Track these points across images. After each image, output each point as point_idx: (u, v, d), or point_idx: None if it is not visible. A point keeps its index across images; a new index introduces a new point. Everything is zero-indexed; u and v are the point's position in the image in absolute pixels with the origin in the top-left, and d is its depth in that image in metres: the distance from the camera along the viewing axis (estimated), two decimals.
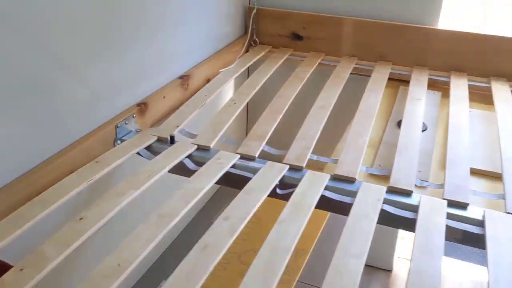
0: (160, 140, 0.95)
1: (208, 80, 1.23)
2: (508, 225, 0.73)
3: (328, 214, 1.43)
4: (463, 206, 0.78)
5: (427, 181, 0.88)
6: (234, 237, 0.67)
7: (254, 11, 1.43)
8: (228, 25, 1.39)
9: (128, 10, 0.94)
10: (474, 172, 0.91)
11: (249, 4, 1.46)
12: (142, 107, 1.01)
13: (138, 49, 1.00)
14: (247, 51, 1.45)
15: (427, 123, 1.10)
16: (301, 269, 1.22)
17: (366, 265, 1.86)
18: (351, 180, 0.84)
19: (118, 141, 0.94)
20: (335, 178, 0.85)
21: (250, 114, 1.63)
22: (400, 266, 1.74)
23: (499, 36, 1.26)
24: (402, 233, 1.80)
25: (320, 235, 1.34)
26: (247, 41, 1.44)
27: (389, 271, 1.72)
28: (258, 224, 1.31)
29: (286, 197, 0.79)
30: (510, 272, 0.63)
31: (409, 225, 0.74)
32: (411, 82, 1.22)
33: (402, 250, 1.78)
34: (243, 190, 0.78)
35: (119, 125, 0.94)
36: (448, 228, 0.74)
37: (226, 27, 1.38)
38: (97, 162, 0.85)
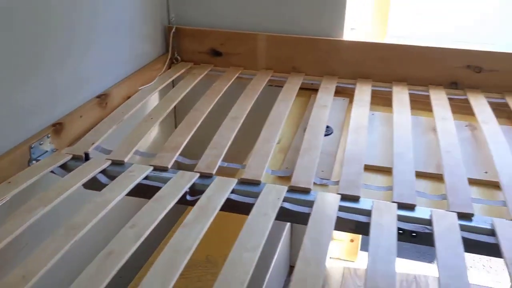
0: (75, 158, 0.98)
1: (128, 98, 1.27)
2: (391, 213, 0.81)
3: None
4: (355, 199, 0.86)
5: (327, 179, 0.95)
6: (138, 243, 0.72)
7: (173, 30, 1.49)
8: (148, 44, 1.44)
9: (38, 32, 0.97)
10: (370, 168, 1.00)
11: (168, 23, 1.52)
12: (57, 127, 1.03)
13: (51, 71, 1.03)
14: (169, 68, 1.50)
15: (334, 127, 1.18)
16: None
17: None
18: (256, 183, 0.90)
19: (33, 162, 0.96)
20: (242, 182, 0.91)
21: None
22: (332, 265, 1.83)
23: (399, 44, 1.38)
24: (335, 236, 1.89)
25: None
26: (168, 59, 1.49)
27: None
28: None
29: (195, 203, 0.84)
30: (386, 254, 0.71)
31: (305, 219, 0.81)
32: (320, 90, 1.31)
33: (333, 250, 1.86)
34: (152, 199, 0.83)
35: (33, 146, 0.96)
36: (341, 220, 0.81)
37: (145, 46, 1.43)
38: (9, 182, 0.87)
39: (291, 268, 1.80)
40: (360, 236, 1.84)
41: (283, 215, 0.83)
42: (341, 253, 1.84)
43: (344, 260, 1.83)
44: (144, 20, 1.40)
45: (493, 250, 0.74)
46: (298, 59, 1.45)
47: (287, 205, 0.84)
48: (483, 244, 0.76)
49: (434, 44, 1.36)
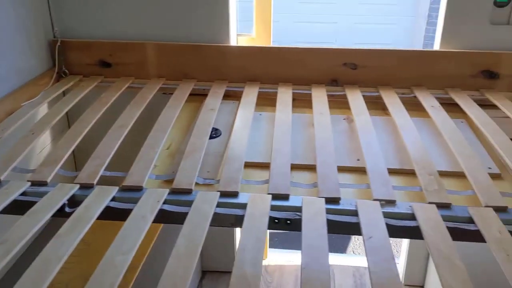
0: None
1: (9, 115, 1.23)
2: (264, 204, 0.86)
3: (160, 227, 1.49)
4: (234, 195, 0.90)
5: (212, 179, 0.99)
6: (8, 259, 0.70)
7: (58, 43, 1.46)
8: (32, 59, 1.40)
9: None
10: (252, 165, 1.05)
11: (54, 37, 1.49)
12: None
13: None
14: (57, 82, 1.46)
15: (222, 129, 1.22)
16: (130, 286, 1.26)
17: (212, 271, 1.97)
18: (138, 189, 0.91)
19: None
20: (124, 189, 0.91)
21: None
22: None
23: (282, 47, 1.45)
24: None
25: (151, 250, 1.39)
26: (55, 73, 1.46)
27: None
28: (87, 250, 1.32)
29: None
30: (255, 240, 0.75)
31: (184, 219, 0.83)
32: (209, 95, 1.34)
33: None
34: (26, 214, 0.81)
35: None
36: (219, 216, 0.85)
37: (29, 61, 1.38)
38: None
39: (204, 273, 1.81)
40: (268, 233, 1.90)
41: (163, 217, 0.85)
42: None
43: None
44: (26, 35, 1.36)
45: (355, 229, 0.81)
46: (189, 66, 1.48)
47: (166, 207, 0.86)
48: (346, 224, 0.83)
49: (314, 45, 1.45)
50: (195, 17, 1.45)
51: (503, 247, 0.74)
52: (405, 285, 1.80)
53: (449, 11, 1.36)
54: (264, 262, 1.87)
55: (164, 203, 0.87)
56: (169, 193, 0.90)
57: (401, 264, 1.86)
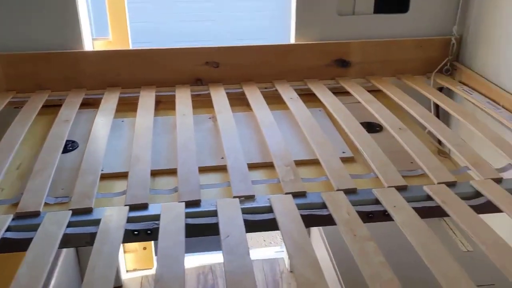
0: None
1: None
2: (121, 216, 0.82)
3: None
4: (88, 211, 0.84)
5: (66, 197, 0.92)
6: None
7: None
8: None
9: None
10: (110, 176, 1.00)
11: None
12: None
13: None
14: None
15: (80, 141, 1.15)
16: None
17: None
18: None
19: None
20: None
21: None
22: (128, 277, 1.80)
23: (142, 49, 1.41)
24: (127, 247, 1.86)
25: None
26: None
27: (119, 287, 1.76)
28: None
29: None
30: (107, 257, 0.71)
31: (29, 245, 0.76)
32: (63, 105, 1.26)
33: (127, 262, 1.84)
34: None
35: None
36: (70, 236, 0.79)
37: None
38: None
39: None
40: (153, 242, 1.85)
41: (6, 246, 0.77)
42: (137, 263, 1.82)
43: (141, 269, 1.81)
44: None
45: (214, 229, 0.80)
46: (42, 76, 1.37)
47: (9, 235, 0.78)
48: (205, 226, 0.82)
49: (175, 45, 1.43)
50: (43, 23, 1.35)
51: (350, 228, 0.78)
52: (290, 271, 1.86)
53: (300, 4, 1.41)
54: (152, 271, 1.81)
55: (7, 230, 0.79)
56: (13, 219, 0.82)
57: (285, 252, 1.92)
